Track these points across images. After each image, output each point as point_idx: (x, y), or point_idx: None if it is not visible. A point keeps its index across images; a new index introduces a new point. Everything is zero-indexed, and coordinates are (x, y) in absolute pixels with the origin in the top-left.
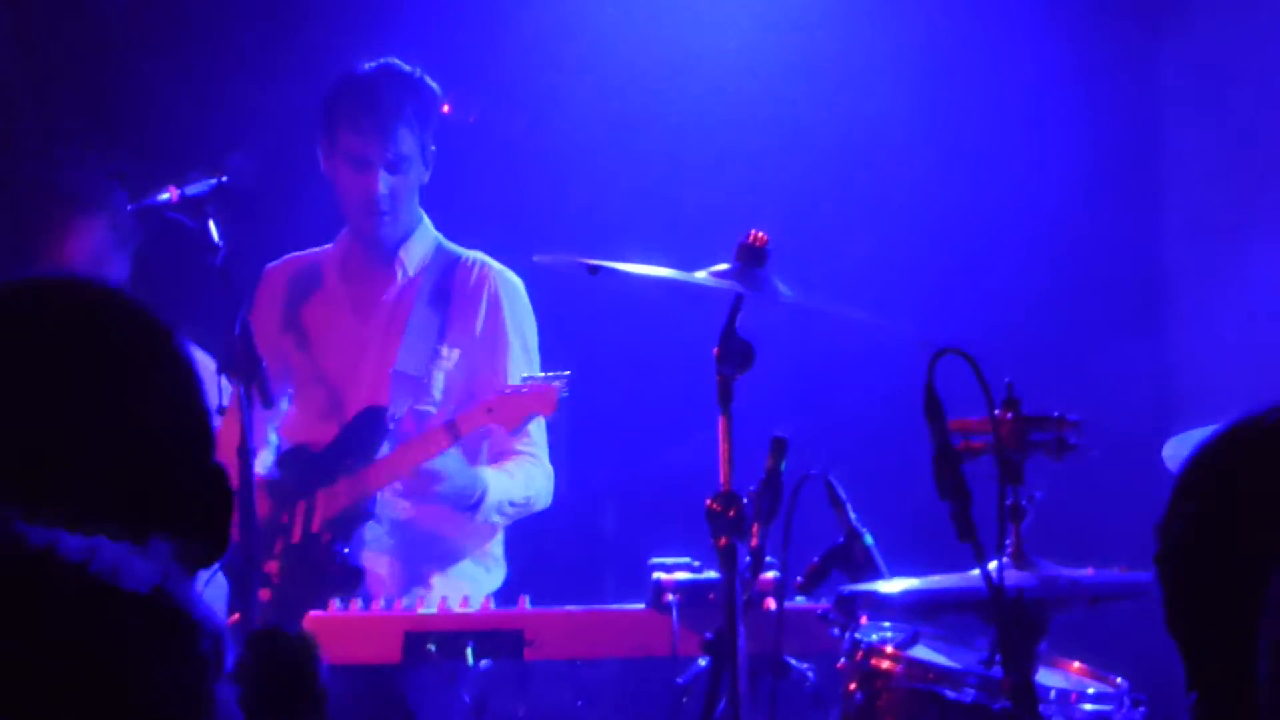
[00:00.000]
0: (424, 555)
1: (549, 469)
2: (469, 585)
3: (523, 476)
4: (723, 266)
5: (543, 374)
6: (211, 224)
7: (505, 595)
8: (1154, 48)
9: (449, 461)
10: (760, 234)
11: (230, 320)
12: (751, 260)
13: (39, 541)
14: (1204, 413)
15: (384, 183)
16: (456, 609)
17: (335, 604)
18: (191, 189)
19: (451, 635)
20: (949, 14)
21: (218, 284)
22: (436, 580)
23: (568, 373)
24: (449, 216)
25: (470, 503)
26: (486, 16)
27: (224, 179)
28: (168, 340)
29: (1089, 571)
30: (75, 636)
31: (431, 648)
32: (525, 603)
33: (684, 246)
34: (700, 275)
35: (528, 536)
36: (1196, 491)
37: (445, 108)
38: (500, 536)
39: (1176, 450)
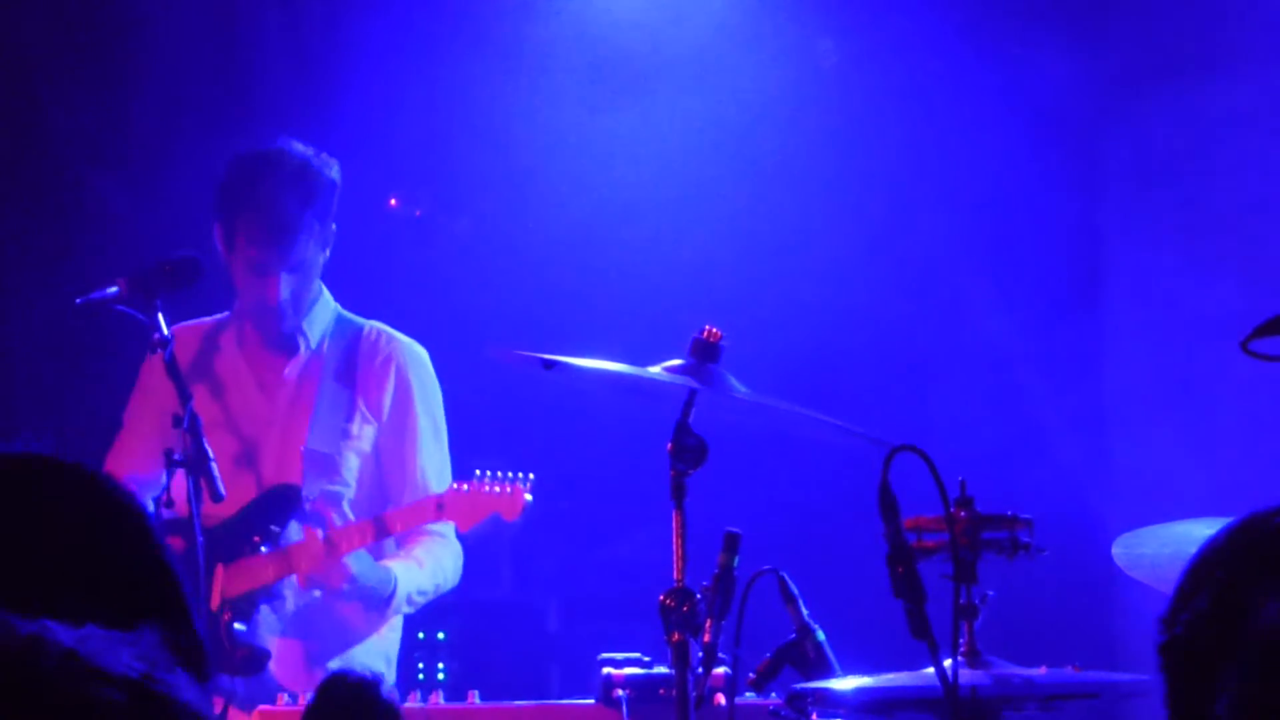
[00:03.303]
0: (324, 640)
1: (458, 548)
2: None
3: (431, 564)
4: (676, 362)
5: (504, 473)
6: (161, 317)
7: (453, 689)
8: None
9: (359, 561)
10: (714, 330)
11: (179, 413)
12: (705, 356)
13: (29, 629)
14: (1147, 512)
15: (285, 286)
16: None
17: (284, 697)
18: (137, 277)
19: None
20: (909, 106)
21: (166, 376)
22: (334, 665)
23: (533, 476)
24: (353, 287)
25: (380, 600)
26: (433, 104)
27: (169, 265)
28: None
29: (1042, 670)
30: (66, 717)
31: None
32: (475, 697)
33: (636, 341)
34: (654, 370)
35: (475, 630)
36: (1204, 584)
37: (392, 201)
38: (399, 629)
39: (1125, 549)
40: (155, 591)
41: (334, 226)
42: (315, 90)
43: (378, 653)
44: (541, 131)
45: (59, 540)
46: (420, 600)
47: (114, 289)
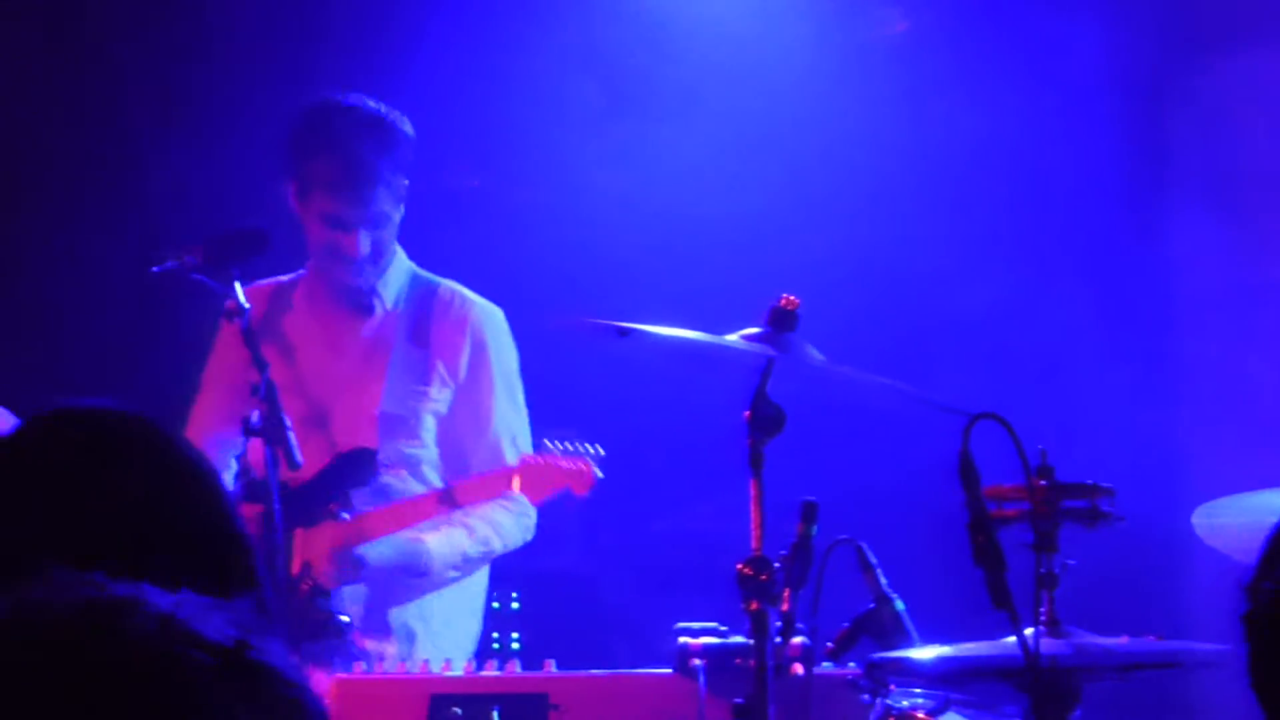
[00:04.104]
0: (402, 599)
1: (524, 509)
2: (444, 628)
3: (483, 529)
4: (753, 330)
5: (572, 445)
6: (237, 285)
7: (529, 659)
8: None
9: (374, 550)
10: (792, 298)
11: (256, 381)
12: (783, 324)
13: (124, 592)
14: (1227, 481)
15: (364, 243)
16: (437, 670)
17: (361, 665)
18: (212, 245)
19: (477, 699)
20: (984, 80)
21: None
22: (413, 622)
23: (602, 451)
24: (428, 244)
25: (417, 574)
26: (504, 71)
27: (242, 234)
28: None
29: (1123, 640)
30: (161, 683)
31: (457, 711)
32: (551, 666)
33: (714, 310)
34: (731, 339)
35: (549, 600)
36: None
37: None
38: (483, 583)
39: (1206, 518)
40: (223, 550)
41: (406, 183)
42: (380, 57)
43: (461, 606)
44: (613, 96)
45: (134, 494)
46: (467, 565)
47: (190, 257)
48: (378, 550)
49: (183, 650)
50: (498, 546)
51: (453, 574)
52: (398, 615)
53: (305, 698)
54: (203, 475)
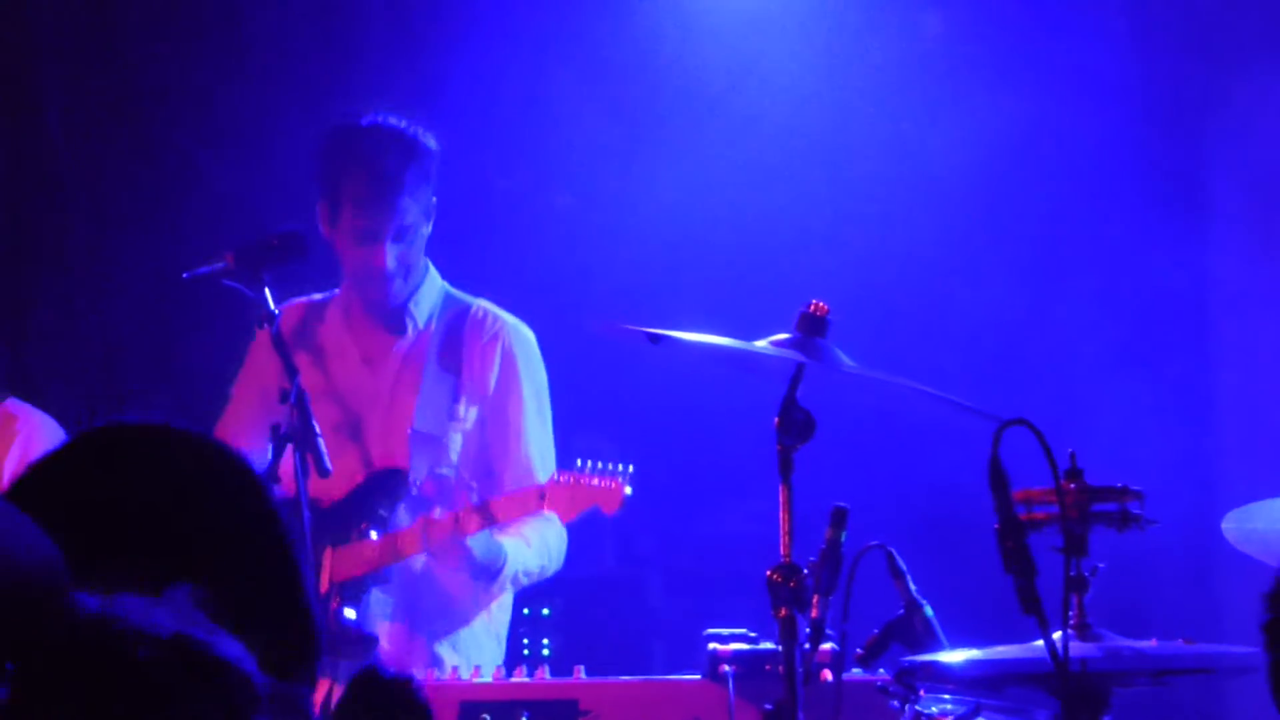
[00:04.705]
0: (432, 622)
1: (562, 530)
2: (474, 653)
3: (539, 544)
4: (783, 336)
5: (601, 464)
6: (267, 291)
7: (558, 665)
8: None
9: (478, 540)
10: (821, 303)
11: (286, 388)
12: (812, 329)
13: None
14: (1258, 486)
15: (391, 255)
16: (466, 678)
17: None
18: (244, 251)
19: (507, 705)
20: (1015, 88)
21: (273, 351)
22: (442, 650)
23: (632, 468)
24: (458, 262)
25: (490, 574)
26: (538, 81)
27: (275, 240)
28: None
29: (1152, 643)
30: (103, 681)
31: (487, 718)
32: (580, 673)
33: (745, 316)
34: (761, 344)
35: (578, 606)
36: None
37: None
38: (508, 608)
39: (1236, 523)
40: (269, 553)
41: (434, 199)
42: (419, 65)
43: (487, 633)
44: (644, 105)
45: (188, 506)
46: (525, 581)
47: (222, 263)
48: (476, 540)
49: (125, 647)
50: (550, 567)
51: (511, 587)
52: (425, 640)
53: (255, 691)
54: (255, 487)
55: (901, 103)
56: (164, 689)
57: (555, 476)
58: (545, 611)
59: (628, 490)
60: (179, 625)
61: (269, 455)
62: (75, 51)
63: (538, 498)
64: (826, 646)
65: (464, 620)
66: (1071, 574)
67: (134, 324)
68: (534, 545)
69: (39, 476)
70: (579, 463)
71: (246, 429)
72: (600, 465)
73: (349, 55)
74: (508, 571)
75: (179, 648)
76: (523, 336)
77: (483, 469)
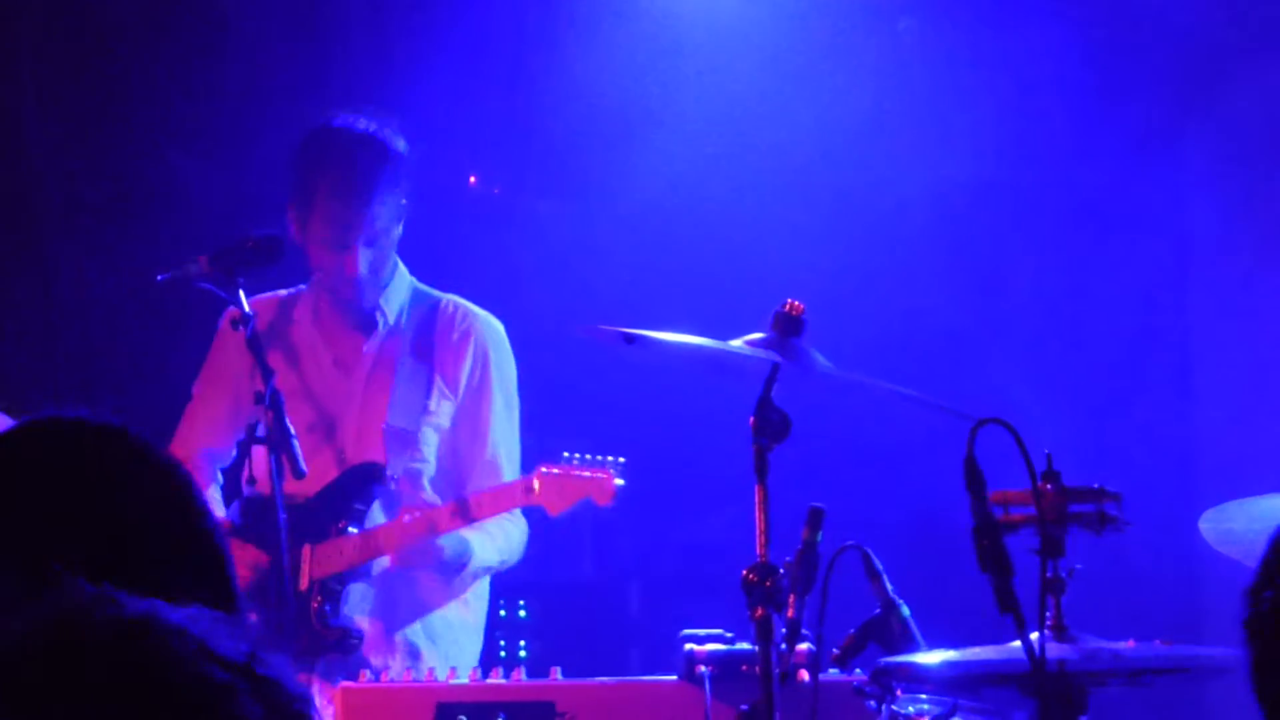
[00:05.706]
0: (405, 613)
1: (524, 525)
2: (451, 644)
3: (502, 538)
4: (758, 336)
5: (593, 455)
6: (242, 294)
7: (535, 667)
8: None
9: (449, 538)
10: (796, 303)
11: (260, 390)
12: (788, 329)
13: (139, 608)
14: (1235, 486)
15: (363, 261)
16: (443, 679)
17: (366, 674)
18: (220, 254)
19: (483, 707)
20: (994, 89)
21: (242, 351)
22: (420, 641)
23: (623, 459)
24: (431, 254)
25: (455, 569)
26: (513, 80)
27: (251, 242)
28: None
29: (1129, 644)
30: (181, 698)
31: (463, 718)
32: (557, 674)
33: (720, 316)
34: (736, 344)
35: (555, 609)
36: None
37: (471, 179)
38: (485, 597)
39: (1213, 523)
40: (201, 561)
41: (404, 201)
42: (395, 67)
43: (464, 623)
44: (619, 106)
45: (111, 504)
46: (484, 574)
47: (196, 266)
48: (447, 538)
49: (203, 667)
50: (509, 560)
51: (471, 580)
52: (403, 633)
53: (309, 710)
54: (180, 486)
55: (875, 104)
56: (236, 709)
57: (543, 469)
58: (522, 614)
59: (619, 481)
60: (250, 647)
61: (234, 453)
62: (51, 55)
63: (524, 491)
64: (803, 647)
65: (441, 612)
66: (1048, 575)
67: (110, 328)
68: (497, 539)
69: None
70: (566, 454)
71: (211, 425)
72: (589, 457)
73: (327, 59)
74: (472, 567)
75: (251, 670)
76: (494, 329)
77: (454, 466)
